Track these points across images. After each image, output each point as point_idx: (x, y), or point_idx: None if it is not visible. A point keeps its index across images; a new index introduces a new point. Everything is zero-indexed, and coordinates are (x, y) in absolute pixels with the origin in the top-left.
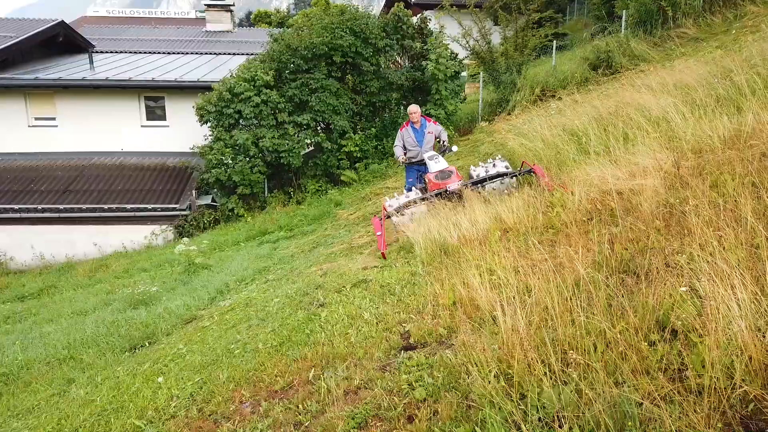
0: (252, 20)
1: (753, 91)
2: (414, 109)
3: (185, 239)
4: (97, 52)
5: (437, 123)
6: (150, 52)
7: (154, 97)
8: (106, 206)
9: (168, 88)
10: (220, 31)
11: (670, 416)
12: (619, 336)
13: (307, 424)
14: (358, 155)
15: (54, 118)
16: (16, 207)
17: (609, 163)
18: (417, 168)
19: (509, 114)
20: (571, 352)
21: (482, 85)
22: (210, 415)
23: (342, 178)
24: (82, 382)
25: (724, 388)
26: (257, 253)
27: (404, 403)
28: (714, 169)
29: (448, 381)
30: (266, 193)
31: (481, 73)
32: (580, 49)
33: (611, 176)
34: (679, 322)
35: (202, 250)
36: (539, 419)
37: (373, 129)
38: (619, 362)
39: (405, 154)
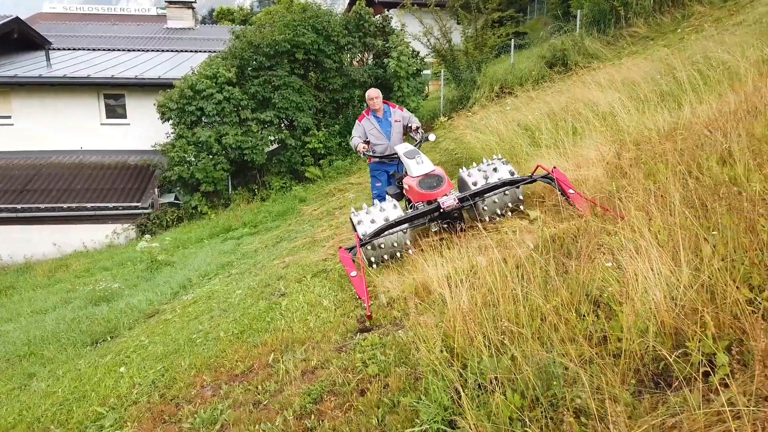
0: (215, 17)
1: (693, 86)
2: (374, 93)
3: (147, 236)
4: (54, 49)
5: (404, 109)
6: (109, 49)
7: (113, 94)
8: (65, 205)
9: (128, 85)
10: (181, 29)
11: (591, 376)
12: (551, 310)
13: (265, 402)
14: (322, 152)
15: (9, 117)
16: None
17: (558, 156)
18: (387, 166)
19: (469, 110)
20: (508, 323)
21: (443, 83)
22: (172, 400)
23: (306, 174)
24: (43, 375)
25: (639, 351)
26: (221, 249)
27: (357, 379)
28: (649, 160)
29: (398, 357)
30: (230, 190)
31: (443, 71)
32: (538, 48)
33: (561, 168)
34: (605, 295)
35: (165, 247)
36: (478, 385)
37: (336, 126)
38: (551, 333)
39: (367, 143)
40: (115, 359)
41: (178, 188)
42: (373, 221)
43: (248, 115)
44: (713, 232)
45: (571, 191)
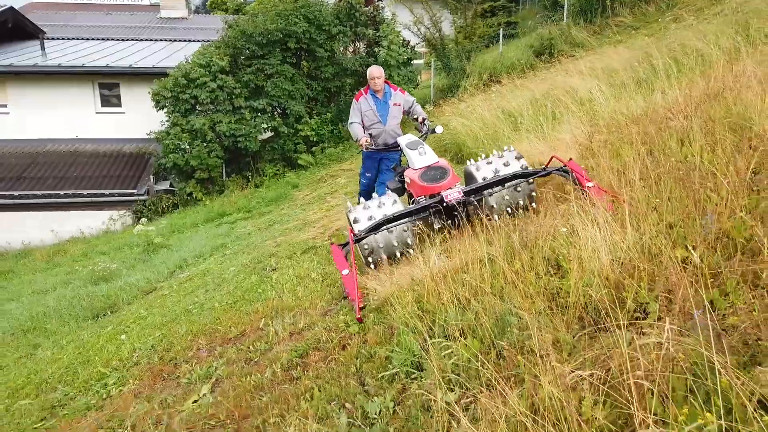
0: (208, 7)
1: (667, 74)
2: (376, 72)
3: (144, 220)
4: (48, 38)
5: (406, 92)
6: (103, 39)
7: (108, 83)
8: (62, 192)
9: (122, 74)
10: (175, 18)
11: (540, 323)
12: (511, 270)
13: (256, 359)
14: (315, 139)
15: (5, 105)
16: None
17: (537, 139)
18: (381, 156)
19: (457, 98)
20: (471, 279)
21: (434, 72)
22: (170, 361)
23: (299, 161)
24: (48, 345)
25: (584, 302)
26: (215, 233)
27: (339, 337)
28: (617, 142)
29: (378, 318)
30: (224, 177)
31: (433, 60)
32: (527, 37)
33: (537, 150)
34: (560, 257)
35: (161, 232)
36: (444, 335)
37: (328, 114)
38: (511, 290)
39: (370, 136)
40: (116, 329)
41: (173, 175)
42: (371, 218)
43: (241, 103)
44: (656, 200)
45: (589, 184)
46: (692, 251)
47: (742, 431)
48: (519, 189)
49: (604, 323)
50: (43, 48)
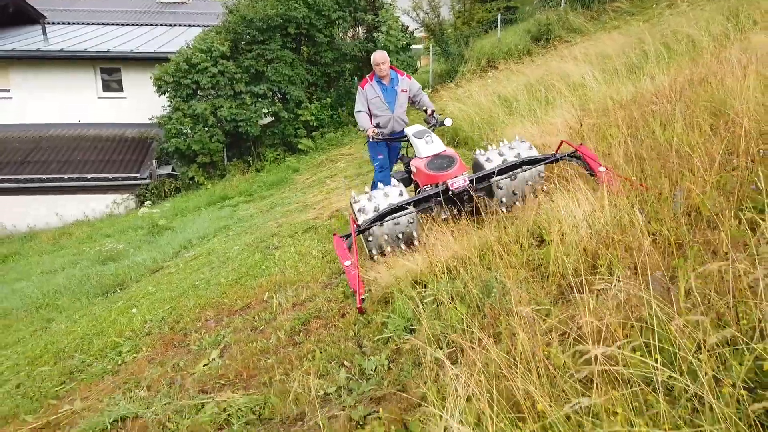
0: None
1: (658, 59)
2: (380, 57)
3: (148, 202)
4: (49, 23)
5: (412, 77)
6: (104, 24)
7: (110, 68)
8: (66, 176)
9: (124, 59)
10: (174, 2)
11: (521, 289)
12: (497, 243)
13: (261, 328)
14: (315, 124)
15: (8, 90)
16: None
17: (531, 123)
18: (390, 145)
19: (454, 83)
20: (464, 253)
21: (432, 57)
22: (180, 330)
23: (299, 146)
24: (61, 320)
25: (562, 271)
26: (218, 215)
27: (339, 307)
28: (605, 125)
29: (375, 291)
30: (226, 161)
31: (431, 45)
32: (525, 23)
33: (529, 134)
34: (542, 230)
35: (165, 215)
36: (435, 303)
37: (328, 99)
38: (498, 261)
39: (377, 126)
40: (127, 304)
41: (175, 160)
42: (376, 208)
43: (242, 88)
44: (634, 178)
45: (601, 169)
46: (661, 226)
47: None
48: (528, 176)
49: (580, 289)
50: (44, 33)
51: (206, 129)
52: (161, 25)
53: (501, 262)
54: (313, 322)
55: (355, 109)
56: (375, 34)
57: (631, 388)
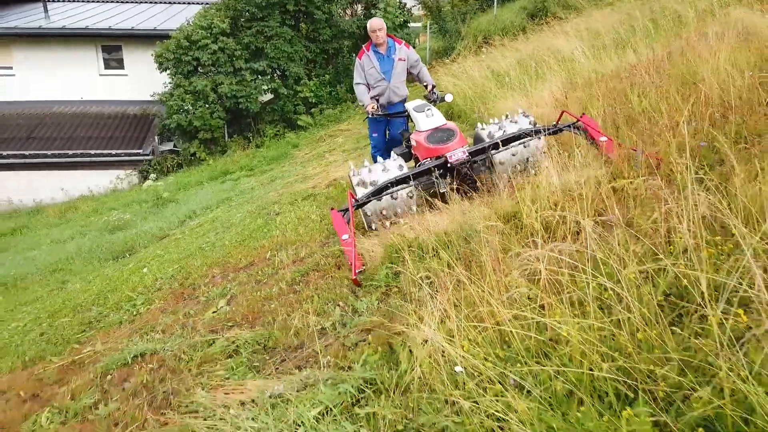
0: None
1: (645, 34)
2: (377, 24)
3: (152, 175)
4: (50, 0)
5: (410, 47)
6: (105, 1)
7: (111, 46)
8: (70, 152)
9: (125, 36)
10: None
11: (497, 237)
12: (483, 202)
13: (264, 280)
14: (314, 101)
15: (11, 68)
16: None
17: (521, 96)
18: (388, 121)
19: (450, 60)
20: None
21: (429, 34)
22: (189, 285)
23: (299, 122)
24: (76, 281)
25: (533, 223)
26: (220, 188)
27: (335, 261)
28: (588, 97)
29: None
30: (226, 138)
31: (429, 22)
32: (521, 0)
33: (519, 106)
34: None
35: (168, 188)
36: (420, 253)
37: (327, 75)
38: (478, 214)
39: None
40: (137, 265)
41: (177, 136)
42: (374, 182)
43: (242, 65)
44: (602, 138)
45: (603, 139)
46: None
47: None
48: (527, 146)
49: (551, 239)
50: (46, 10)
51: (207, 105)
52: (161, 2)
53: (482, 219)
54: (311, 274)
55: (354, 82)
56: (373, 11)
57: (568, 293)
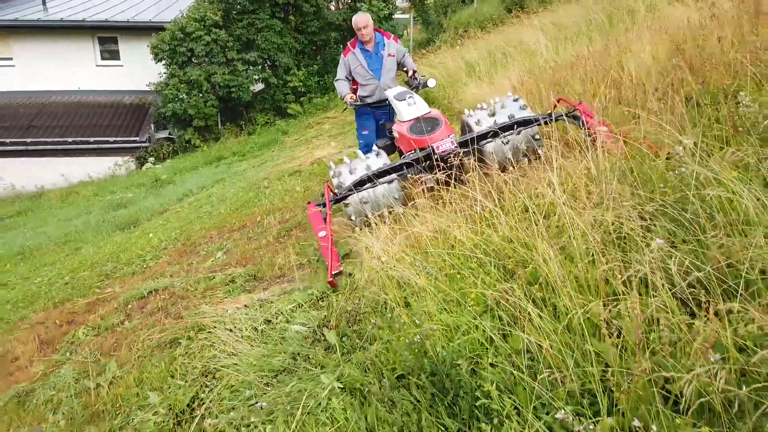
0: None
1: (598, 28)
2: (362, 21)
3: (152, 158)
4: None
5: (398, 40)
6: None
7: (107, 38)
8: (70, 139)
9: (121, 28)
10: None
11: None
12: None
13: (255, 237)
14: (303, 90)
15: (11, 59)
16: None
17: (486, 84)
18: (377, 112)
19: (428, 51)
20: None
21: (412, 27)
22: (191, 244)
23: (288, 111)
24: (88, 247)
25: None
26: (215, 171)
27: None
28: (540, 83)
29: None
30: (220, 125)
31: (412, 14)
32: None
33: (484, 92)
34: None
35: (166, 171)
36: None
37: (315, 66)
38: None
39: (355, 92)
40: (143, 232)
41: (172, 124)
42: (353, 170)
43: (234, 56)
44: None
45: (602, 129)
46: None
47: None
48: (521, 138)
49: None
50: (44, 2)
51: (201, 94)
52: None
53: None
54: (293, 230)
55: (336, 78)
56: (359, 4)
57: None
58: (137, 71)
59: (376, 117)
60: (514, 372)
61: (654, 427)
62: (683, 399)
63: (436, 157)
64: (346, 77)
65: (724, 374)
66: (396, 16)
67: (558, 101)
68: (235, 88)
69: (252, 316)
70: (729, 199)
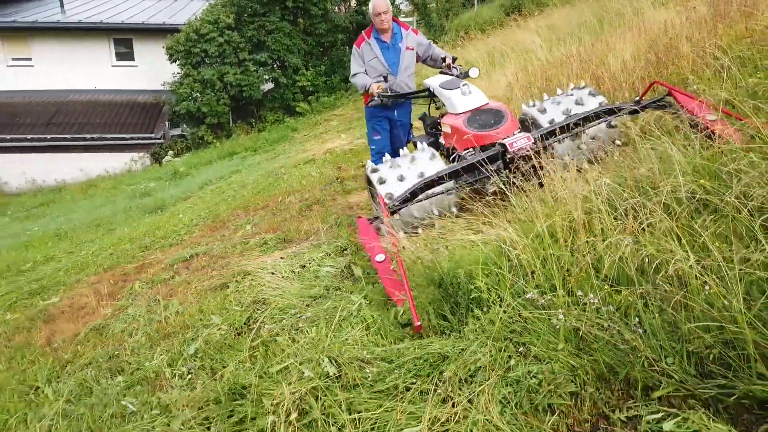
0: None
1: (588, 30)
2: (382, 5)
3: (171, 152)
4: None
5: (419, 32)
6: None
7: (122, 39)
8: (88, 136)
9: (136, 30)
10: None
11: None
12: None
13: (278, 213)
14: (311, 89)
15: (30, 59)
16: (7, 137)
17: (483, 82)
18: (390, 111)
19: None
20: None
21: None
22: (220, 221)
23: (297, 109)
24: (122, 228)
25: None
26: (229, 164)
27: (332, 197)
28: (532, 81)
29: (363, 183)
30: (231, 123)
31: (414, 18)
32: None
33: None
34: None
35: (183, 165)
36: None
37: (322, 66)
38: None
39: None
40: (172, 214)
41: (185, 122)
42: (401, 178)
43: (246, 56)
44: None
45: (711, 117)
46: None
47: None
48: (595, 130)
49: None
50: (62, 5)
51: (214, 93)
52: None
53: None
54: (314, 206)
55: (351, 73)
56: (363, 7)
57: None
58: (151, 71)
59: (390, 119)
60: (499, 272)
61: (591, 295)
62: (609, 271)
63: (509, 156)
64: (365, 71)
65: (628, 249)
66: (399, 19)
67: (650, 85)
68: (247, 87)
69: (289, 263)
70: None
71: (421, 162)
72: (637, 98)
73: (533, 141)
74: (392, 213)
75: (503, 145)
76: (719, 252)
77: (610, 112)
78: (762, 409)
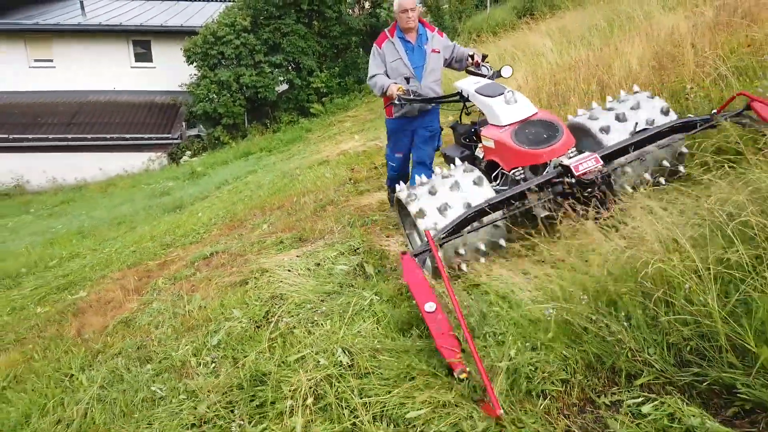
0: None
1: (599, 34)
2: (409, 1)
3: (189, 152)
4: None
5: (444, 34)
6: None
7: (141, 41)
8: (107, 135)
9: (155, 32)
10: None
11: None
12: None
13: (294, 213)
14: (324, 91)
15: (51, 60)
16: (29, 137)
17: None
18: (415, 126)
19: None
20: None
21: None
22: (237, 220)
23: (311, 110)
24: (143, 226)
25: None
26: (245, 164)
27: (346, 197)
28: (543, 84)
29: (375, 185)
30: (246, 124)
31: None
32: (513, 0)
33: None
34: None
35: (201, 165)
36: None
37: (336, 68)
38: None
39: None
40: (191, 213)
41: (201, 122)
42: (445, 207)
43: (261, 58)
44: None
45: None
46: None
47: None
48: (661, 152)
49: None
50: (82, 8)
51: (230, 95)
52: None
53: None
54: (328, 207)
55: (369, 75)
56: (377, 10)
57: None
58: (169, 73)
59: (412, 136)
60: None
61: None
62: None
63: (572, 180)
64: (386, 73)
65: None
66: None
67: (732, 98)
68: (262, 89)
69: (304, 261)
70: None
71: (465, 187)
72: (714, 110)
73: (602, 163)
74: (442, 245)
75: (566, 167)
76: None
77: (686, 126)
78: (730, 394)
